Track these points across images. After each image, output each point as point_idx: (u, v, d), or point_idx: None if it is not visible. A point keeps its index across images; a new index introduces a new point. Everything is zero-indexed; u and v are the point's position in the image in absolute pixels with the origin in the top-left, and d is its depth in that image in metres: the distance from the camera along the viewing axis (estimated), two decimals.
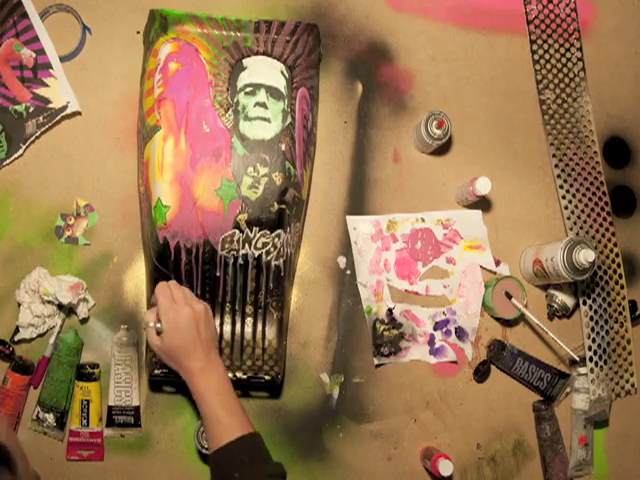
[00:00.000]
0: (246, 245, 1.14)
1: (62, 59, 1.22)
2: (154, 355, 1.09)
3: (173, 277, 1.13)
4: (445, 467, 1.15)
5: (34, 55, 1.20)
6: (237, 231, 1.13)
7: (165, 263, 1.13)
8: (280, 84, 1.17)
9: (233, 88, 1.16)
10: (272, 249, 1.14)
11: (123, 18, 1.24)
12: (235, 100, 1.16)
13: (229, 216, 1.12)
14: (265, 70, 1.17)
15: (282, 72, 1.18)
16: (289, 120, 1.17)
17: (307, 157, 1.20)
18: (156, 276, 1.14)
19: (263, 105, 1.16)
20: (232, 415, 1.00)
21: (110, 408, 1.17)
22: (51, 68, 1.21)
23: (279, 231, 1.14)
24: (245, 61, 1.17)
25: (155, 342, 1.03)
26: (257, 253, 1.14)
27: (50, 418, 1.16)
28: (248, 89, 1.16)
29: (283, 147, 1.15)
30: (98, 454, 1.17)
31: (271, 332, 1.16)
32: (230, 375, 1.11)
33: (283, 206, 1.14)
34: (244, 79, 1.16)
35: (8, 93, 1.20)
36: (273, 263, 1.15)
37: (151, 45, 1.17)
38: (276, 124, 1.16)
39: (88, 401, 1.16)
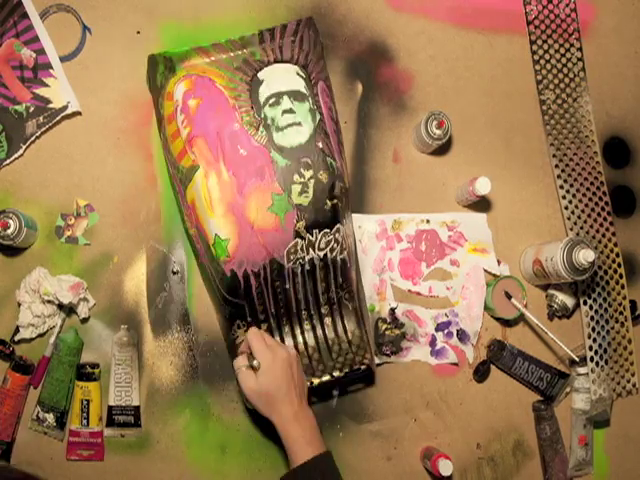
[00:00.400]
0: (310, 250, 1.13)
1: (62, 59, 1.22)
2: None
3: (246, 305, 1.13)
4: (445, 467, 1.15)
5: (34, 55, 1.21)
6: (299, 239, 1.11)
7: (236, 293, 1.13)
8: (300, 85, 1.16)
9: (257, 104, 1.13)
10: (335, 245, 1.14)
11: (123, 18, 1.24)
12: (262, 115, 1.13)
13: (288, 228, 1.11)
14: (282, 77, 1.15)
15: (298, 73, 1.16)
16: (318, 117, 1.15)
17: (341, 146, 1.19)
18: (230, 309, 1.14)
19: (290, 111, 1.14)
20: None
21: (110, 408, 1.18)
22: (51, 68, 1.21)
23: (337, 225, 1.14)
24: (260, 74, 1.15)
25: (249, 384, 1.02)
26: (322, 254, 1.14)
27: (50, 418, 1.16)
28: (271, 100, 1.14)
29: (320, 145, 1.14)
30: (98, 454, 1.17)
31: (351, 323, 1.18)
32: (327, 378, 1.14)
33: (335, 201, 1.13)
34: (264, 92, 1.14)
35: (8, 93, 1.20)
36: (338, 258, 1.15)
37: (162, 90, 1.15)
38: (307, 125, 1.14)
39: (88, 401, 1.16)
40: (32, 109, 1.20)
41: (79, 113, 1.22)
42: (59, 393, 1.16)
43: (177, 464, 1.19)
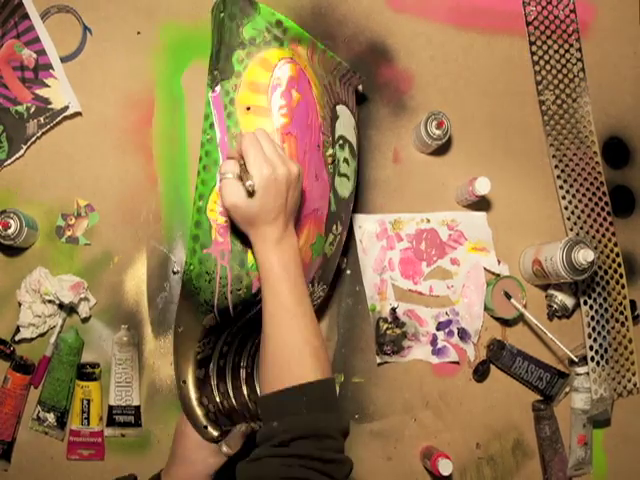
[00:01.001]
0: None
1: (63, 60, 1.22)
2: (207, 413, 1.03)
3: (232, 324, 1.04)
4: (445, 466, 1.15)
5: (35, 56, 1.21)
6: (310, 286, 1.04)
7: (242, 311, 1.02)
8: (354, 141, 1.06)
9: (332, 137, 1.00)
10: (318, 300, 1.12)
11: (124, 19, 1.24)
12: (334, 151, 1.01)
13: (311, 272, 1.02)
14: (348, 123, 1.03)
15: (354, 128, 1.07)
16: (355, 181, 1.08)
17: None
18: (239, 324, 1.04)
19: (346, 162, 1.04)
20: (299, 304, 0.88)
21: (111, 408, 1.18)
22: (52, 69, 1.21)
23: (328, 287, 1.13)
24: (338, 108, 1.01)
25: (233, 199, 0.86)
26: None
27: (51, 417, 1.16)
28: (340, 142, 1.02)
29: (350, 207, 1.11)
30: (99, 453, 1.17)
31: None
32: None
33: (344, 259, 1.14)
34: (339, 129, 1.01)
35: (9, 94, 1.21)
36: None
37: (248, 46, 0.95)
38: (352, 183, 1.07)
39: (89, 400, 1.16)
40: (33, 110, 1.20)
41: (80, 114, 1.22)
42: (60, 393, 1.16)
43: None
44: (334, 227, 1.04)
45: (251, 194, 0.85)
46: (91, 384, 1.17)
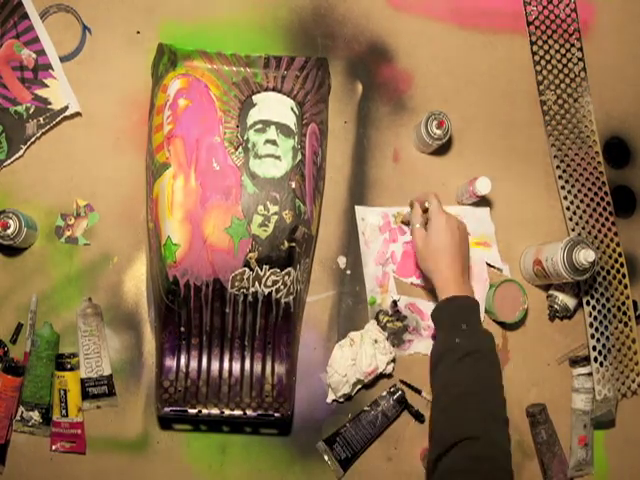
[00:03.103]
0: (256, 283, 1.12)
1: (62, 59, 1.22)
2: (165, 390, 1.11)
3: (182, 314, 1.13)
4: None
5: (34, 56, 1.21)
6: (247, 269, 1.11)
7: (174, 300, 1.12)
8: (290, 121, 1.16)
9: (243, 125, 1.14)
10: (282, 287, 1.13)
11: (123, 18, 1.25)
12: (245, 137, 1.14)
13: (239, 254, 1.11)
14: (275, 107, 1.16)
15: (292, 109, 1.17)
16: (299, 157, 1.15)
17: (317, 193, 1.19)
18: (165, 314, 1.13)
19: (273, 142, 1.15)
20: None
21: (83, 381, 1.17)
22: (51, 69, 1.21)
23: (289, 269, 1.13)
24: (255, 97, 1.16)
25: (423, 239, 1.12)
26: (267, 291, 1.13)
27: (35, 416, 1.15)
28: (258, 126, 1.15)
29: (293, 185, 1.14)
30: (79, 446, 1.16)
31: (281, 368, 1.16)
32: (239, 412, 1.12)
33: (293, 244, 1.13)
34: (254, 116, 1.15)
35: (8, 94, 1.21)
36: (283, 300, 1.14)
37: (160, 80, 1.16)
38: (286, 162, 1.15)
39: (65, 391, 1.16)
40: (32, 110, 1.20)
41: (79, 114, 1.22)
42: (42, 389, 1.16)
43: (177, 464, 1.18)
44: (260, 208, 1.12)
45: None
46: (67, 374, 1.16)
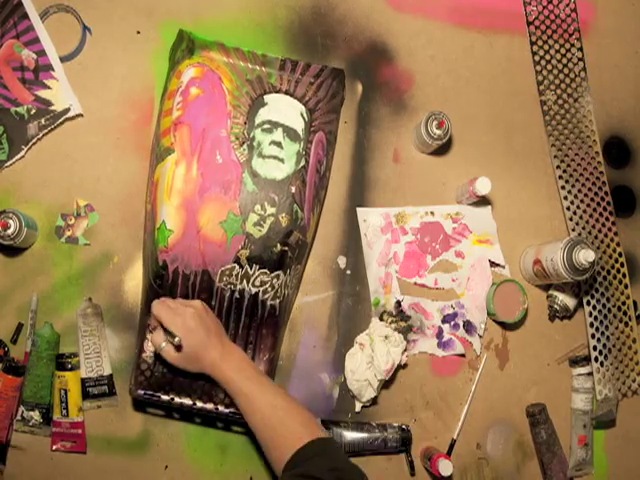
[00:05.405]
0: (244, 281, 1.13)
1: (62, 59, 1.22)
2: (141, 373, 1.12)
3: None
4: (445, 467, 1.14)
5: (35, 56, 1.21)
6: (237, 266, 1.12)
7: (162, 285, 1.13)
8: (298, 126, 1.17)
9: (251, 122, 1.15)
10: (269, 289, 1.14)
11: (123, 18, 1.25)
12: (251, 135, 1.15)
13: (231, 250, 1.12)
14: (285, 109, 1.17)
15: (302, 114, 1.17)
16: (302, 163, 1.16)
17: (316, 201, 1.19)
18: (151, 296, 1.13)
19: (279, 144, 1.15)
20: (262, 386, 1.05)
21: (83, 381, 1.17)
22: (52, 70, 1.21)
23: (279, 272, 1.14)
24: (266, 97, 1.17)
25: (175, 356, 1.05)
26: (254, 290, 1.13)
27: (36, 415, 1.15)
28: (266, 126, 1.16)
29: (293, 190, 1.14)
30: (80, 445, 1.17)
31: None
32: (211, 406, 1.12)
33: (286, 248, 1.13)
34: (263, 115, 1.16)
35: (9, 94, 1.20)
36: (269, 303, 1.14)
37: (176, 65, 1.17)
38: (289, 165, 1.15)
39: (66, 390, 1.16)
40: (33, 111, 1.20)
41: (80, 115, 1.22)
42: (42, 389, 1.16)
43: (177, 464, 1.19)
44: (257, 207, 1.13)
45: (180, 347, 1.04)
46: (67, 374, 1.16)
